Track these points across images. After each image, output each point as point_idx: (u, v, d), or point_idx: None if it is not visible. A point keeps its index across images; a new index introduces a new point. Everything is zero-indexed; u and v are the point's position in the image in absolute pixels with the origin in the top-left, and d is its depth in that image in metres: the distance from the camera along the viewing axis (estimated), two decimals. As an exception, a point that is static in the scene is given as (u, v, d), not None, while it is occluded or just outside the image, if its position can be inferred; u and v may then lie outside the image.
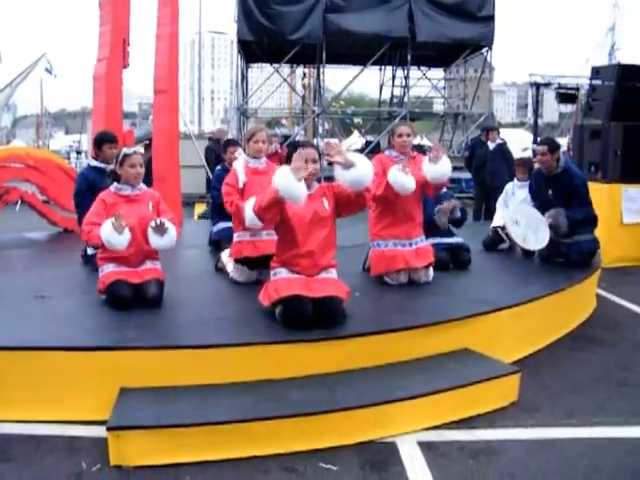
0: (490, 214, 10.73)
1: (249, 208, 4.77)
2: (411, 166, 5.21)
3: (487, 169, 11.01)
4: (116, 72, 9.00)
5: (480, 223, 10.59)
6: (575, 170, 6.63)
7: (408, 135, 5.55)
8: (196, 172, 14.93)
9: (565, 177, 6.43)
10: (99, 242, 4.58)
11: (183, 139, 13.55)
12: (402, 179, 5.16)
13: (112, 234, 4.50)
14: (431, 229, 6.00)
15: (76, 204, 6.17)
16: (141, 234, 4.73)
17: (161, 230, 4.67)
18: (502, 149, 11.03)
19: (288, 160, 4.40)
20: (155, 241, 4.72)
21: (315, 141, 22.22)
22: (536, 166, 6.95)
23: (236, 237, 5.49)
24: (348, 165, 4.23)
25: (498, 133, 11.30)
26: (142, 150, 5.03)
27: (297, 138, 13.69)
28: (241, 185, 5.35)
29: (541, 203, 6.53)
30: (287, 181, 4.06)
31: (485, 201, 11.38)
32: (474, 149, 11.99)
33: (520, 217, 6.50)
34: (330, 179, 4.50)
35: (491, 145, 11.13)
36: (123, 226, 4.51)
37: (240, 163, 5.49)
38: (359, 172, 4.25)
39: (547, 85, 20.03)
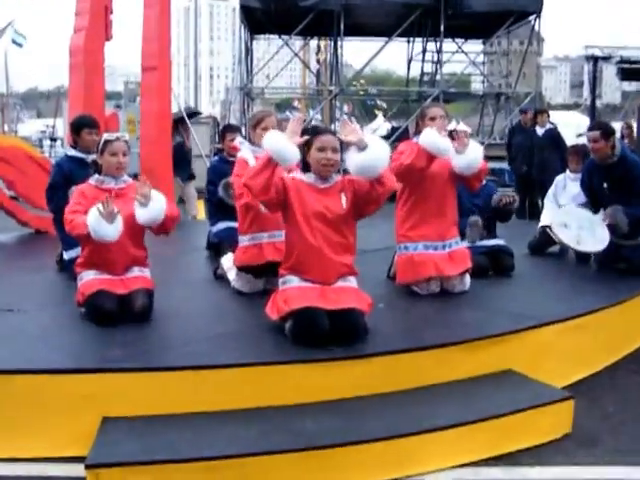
0: (535, 211, 10.78)
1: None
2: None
3: (535, 159, 11.03)
4: (97, 45, 9.04)
5: (524, 222, 10.57)
6: (633, 158, 6.59)
7: (441, 117, 5.53)
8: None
9: (622, 167, 6.38)
10: (84, 232, 4.55)
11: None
12: (436, 137, 5.19)
13: (99, 222, 4.49)
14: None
15: (48, 199, 6.20)
16: (127, 235, 4.74)
17: (145, 198, 4.67)
18: (552, 135, 11.03)
19: (306, 147, 4.41)
20: (140, 214, 4.71)
21: (332, 126, 22.25)
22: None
23: (247, 240, 5.44)
24: (362, 146, 4.25)
25: (548, 116, 11.29)
26: (125, 137, 5.04)
27: (312, 123, 13.70)
28: None
29: (595, 198, 6.50)
30: (278, 140, 4.14)
31: (529, 195, 11.41)
32: (512, 135, 12.07)
33: (569, 220, 6.50)
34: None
35: (539, 130, 11.14)
36: (114, 213, 4.52)
37: (248, 153, 5.49)
38: (372, 154, 4.25)
39: (607, 59, 19.94)
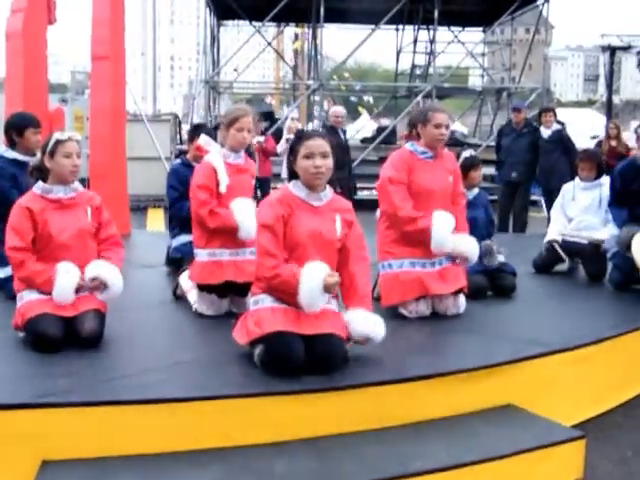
0: (523, 224, 10.94)
1: (241, 214, 5.15)
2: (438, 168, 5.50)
3: (541, 164, 11.16)
4: (39, 29, 8.98)
5: (527, 236, 10.66)
6: None
7: (447, 126, 5.60)
8: (149, 166, 14.98)
9: None
10: (37, 282, 4.67)
11: (132, 122, 13.61)
12: (444, 240, 5.43)
13: (69, 292, 4.66)
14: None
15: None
16: (78, 250, 4.76)
17: (98, 289, 4.84)
18: (561, 137, 11.13)
19: (292, 156, 4.44)
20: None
21: (310, 125, 22.29)
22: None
23: (207, 255, 5.47)
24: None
25: (554, 115, 11.39)
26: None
27: (288, 122, 13.71)
28: (224, 189, 5.38)
29: (634, 207, 6.55)
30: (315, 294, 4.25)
31: (514, 206, 11.58)
32: (500, 136, 12.25)
33: None
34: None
35: (545, 132, 11.25)
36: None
37: (218, 159, 5.46)
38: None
39: (626, 49, 20.12)
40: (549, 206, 10.33)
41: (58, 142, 4.78)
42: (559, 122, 11.38)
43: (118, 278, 4.87)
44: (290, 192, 4.43)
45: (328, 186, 4.52)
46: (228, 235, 5.35)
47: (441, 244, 5.40)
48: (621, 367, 5.30)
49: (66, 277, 4.65)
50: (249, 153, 7.68)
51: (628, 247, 6.29)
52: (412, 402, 4.23)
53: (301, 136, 4.42)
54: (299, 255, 4.35)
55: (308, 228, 4.37)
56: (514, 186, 11.51)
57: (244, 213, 5.27)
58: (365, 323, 4.46)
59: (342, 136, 11.35)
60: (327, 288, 4.24)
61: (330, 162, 4.39)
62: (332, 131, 11.29)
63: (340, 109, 12.21)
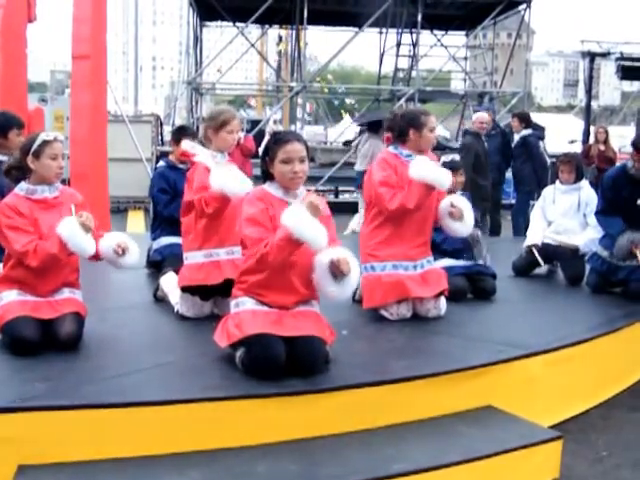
0: (494, 226, 10.98)
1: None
2: None
3: (513, 168, 11.31)
4: (17, 27, 8.93)
5: (506, 239, 10.70)
6: None
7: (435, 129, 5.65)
8: (130, 167, 14.91)
9: None
10: (55, 252, 4.50)
11: (112, 122, 13.55)
12: (436, 173, 5.35)
13: (79, 234, 4.51)
14: (442, 249, 6.14)
15: None
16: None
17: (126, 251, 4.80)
18: (525, 143, 11.17)
19: (268, 155, 4.42)
20: (119, 261, 4.86)
21: (293, 127, 22.28)
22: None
23: (203, 257, 5.41)
24: (342, 277, 4.27)
25: (524, 121, 11.42)
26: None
27: (270, 124, 13.70)
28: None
29: (624, 215, 6.55)
30: (308, 225, 4.09)
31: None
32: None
33: None
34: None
35: (515, 137, 11.35)
36: (90, 227, 4.57)
37: (208, 159, 5.44)
38: (347, 289, 4.35)
39: (605, 55, 20.26)
40: (518, 209, 10.50)
41: (45, 143, 4.69)
42: (537, 127, 11.44)
43: (134, 245, 4.90)
44: (267, 192, 4.42)
45: (303, 188, 4.52)
46: (226, 232, 5.33)
47: (422, 166, 5.37)
48: (598, 369, 5.35)
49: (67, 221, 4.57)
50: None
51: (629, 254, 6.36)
52: (394, 404, 4.24)
53: (278, 139, 4.40)
54: None
55: None
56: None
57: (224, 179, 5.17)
58: None
59: (485, 143, 10.87)
60: (312, 209, 4.13)
61: (307, 166, 4.40)
62: (476, 137, 11.07)
63: (485, 115, 11.67)
